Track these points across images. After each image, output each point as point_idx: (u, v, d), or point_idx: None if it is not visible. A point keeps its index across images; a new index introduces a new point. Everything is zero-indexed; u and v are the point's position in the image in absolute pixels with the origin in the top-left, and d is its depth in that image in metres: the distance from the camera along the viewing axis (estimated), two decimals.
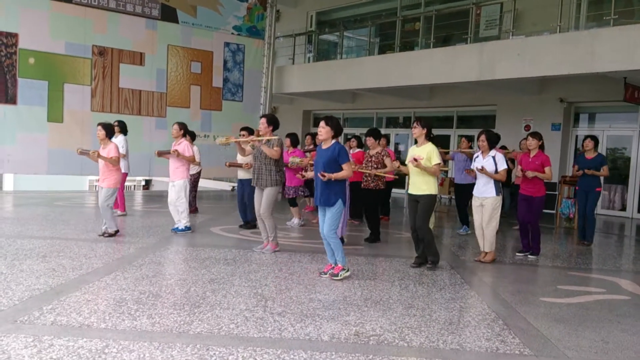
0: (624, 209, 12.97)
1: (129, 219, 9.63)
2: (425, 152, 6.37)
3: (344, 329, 4.23)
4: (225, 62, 13.91)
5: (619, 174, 13.14)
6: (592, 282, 6.36)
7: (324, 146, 5.87)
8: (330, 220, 5.77)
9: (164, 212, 11.05)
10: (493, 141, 7.07)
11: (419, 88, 14.23)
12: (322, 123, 5.83)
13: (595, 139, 8.63)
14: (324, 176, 5.67)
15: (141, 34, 12.55)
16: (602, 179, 8.63)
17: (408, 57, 13.03)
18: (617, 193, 13.16)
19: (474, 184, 7.31)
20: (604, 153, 12.93)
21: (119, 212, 9.75)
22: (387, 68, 13.11)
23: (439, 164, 6.38)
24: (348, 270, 5.86)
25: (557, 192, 11.79)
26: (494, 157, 6.90)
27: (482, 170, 6.86)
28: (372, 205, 8.20)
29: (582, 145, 8.73)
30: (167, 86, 13.01)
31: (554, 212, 11.72)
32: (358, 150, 9.28)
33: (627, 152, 13.07)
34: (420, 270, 6.40)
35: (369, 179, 8.04)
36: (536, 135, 7.57)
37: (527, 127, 13.67)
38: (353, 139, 9.67)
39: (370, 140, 8.12)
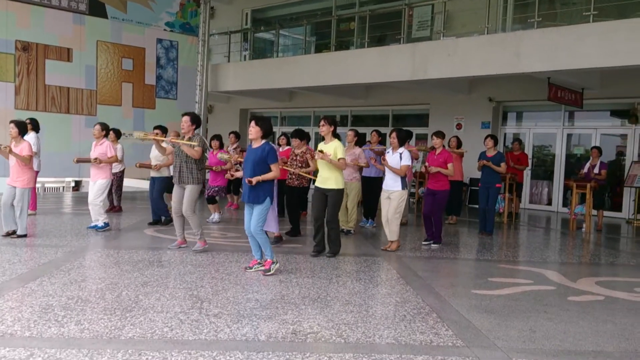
0: (549, 203, 13.59)
1: (57, 221, 9.22)
2: (332, 149, 6.77)
3: (281, 327, 4.21)
4: (158, 59, 13.58)
5: (545, 170, 13.77)
6: (521, 274, 6.63)
7: (254, 145, 6.01)
8: (257, 217, 5.88)
9: None
10: (402, 138, 7.58)
11: (354, 87, 14.38)
12: (252, 123, 6.03)
13: (494, 138, 9.22)
14: (251, 182, 5.79)
15: (68, 29, 12.05)
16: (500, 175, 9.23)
17: (344, 56, 13.15)
18: (543, 188, 13.79)
19: (381, 178, 7.67)
20: (530, 150, 13.53)
21: (29, 212, 9.29)
22: (323, 67, 13.18)
23: (344, 158, 6.81)
24: (277, 263, 5.99)
25: None
26: (400, 154, 7.42)
27: (383, 162, 7.50)
28: (294, 201, 8.50)
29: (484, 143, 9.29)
30: (97, 83, 12.56)
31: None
32: (287, 147, 9.45)
33: (552, 149, 13.70)
34: (357, 267, 6.47)
35: (294, 177, 8.31)
36: (440, 135, 8.14)
37: (459, 126, 14.09)
38: (282, 137, 9.93)
39: (295, 141, 8.36)
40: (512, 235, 9.78)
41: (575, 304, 5.26)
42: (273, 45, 16.36)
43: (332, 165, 6.73)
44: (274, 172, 5.91)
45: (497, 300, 5.24)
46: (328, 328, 4.25)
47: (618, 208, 12.53)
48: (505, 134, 14.15)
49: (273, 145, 6.21)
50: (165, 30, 13.63)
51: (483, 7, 11.17)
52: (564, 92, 11.45)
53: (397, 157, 7.44)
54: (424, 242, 8.12)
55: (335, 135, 7.00)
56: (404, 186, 7.44)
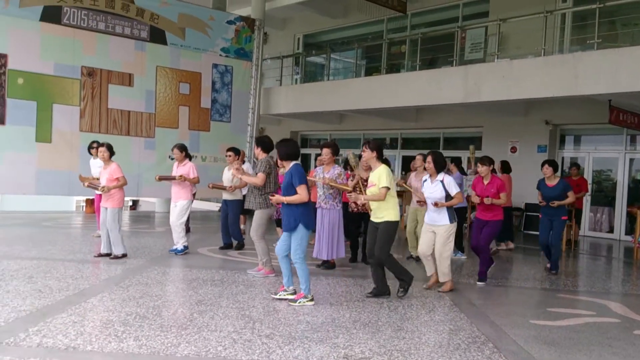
0: (611, 230, 13.05)
1: None
2: (376, 177, 5.97)
3: (333, 351, 4.19)
4: (213, 83, 13.93)
5: (606, 196, 13.26)
6: (582, 305, 6.36)
7: (285, 169, 5.86)
8: (295, 246, 5.60)
9: (152, 233, 11.00)
10: (440, 163, 6.46)
11: (405, 109, 14.32)
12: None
13: (553, 164, 8.06)
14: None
15: (130, 55, 12.55)
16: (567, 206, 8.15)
17: (394, 79, 13.14)
18: (604, 215, 13.26)
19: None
20: (589, 175, 13.06)
21: (97, 232, 9.52)
22: (374, 90, 13.21)
23: (387, 187, 5.87)
24: (312, 300, 5.59)
25: None
26: (442, 182, 6.36)
27: (437, 205, 6.29)
28: (352, 228, 8.09)
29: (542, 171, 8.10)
30: (155, 107, 12.98)
31: None
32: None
33: (613, 174, 13.20)
34: (409, 293, 6.28)
35: (353, 204, 7.58)
36: (486, 161, 7.17)
37: (513, 149, 13.80)
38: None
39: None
40: (572, 264, 9.43)
41: None
42: (324, 69, 16.55)
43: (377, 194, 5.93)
44: (298, 196, 5.51)
45: (557, 332, 5.05)
46: (380, 354, 4.20)
47: None
48: (562, 158, 13.74)
49: (299, 165, 5.78)
50: (220, 55, 14.00)
51: (539, 29, 10.98)
52: (627, 115, 11.06)
53: (439, 186, 6.34)
54: (478, 282, 7.13)
55: (383, 160, 6.19)
56: (452, 219, 6.34)
